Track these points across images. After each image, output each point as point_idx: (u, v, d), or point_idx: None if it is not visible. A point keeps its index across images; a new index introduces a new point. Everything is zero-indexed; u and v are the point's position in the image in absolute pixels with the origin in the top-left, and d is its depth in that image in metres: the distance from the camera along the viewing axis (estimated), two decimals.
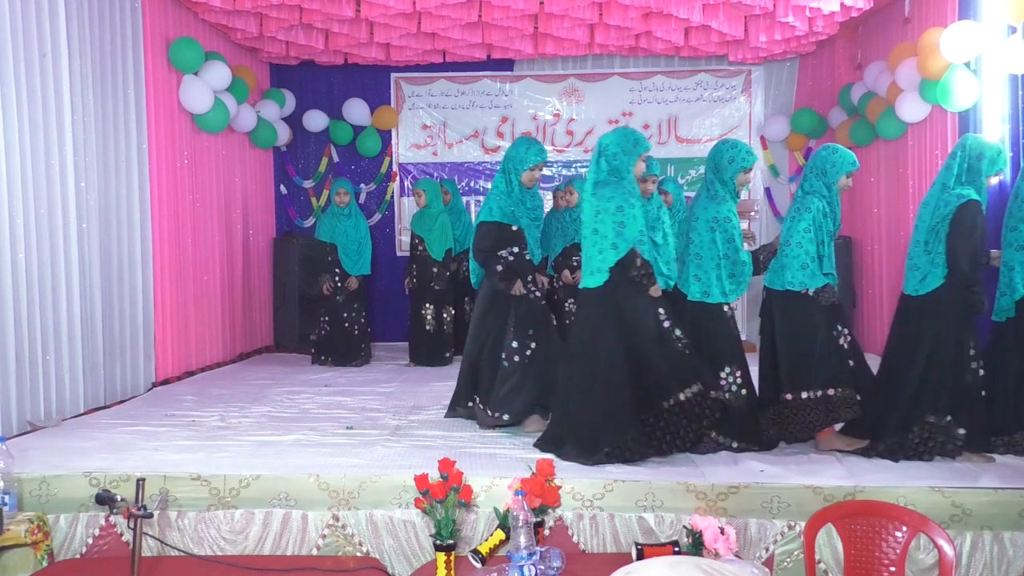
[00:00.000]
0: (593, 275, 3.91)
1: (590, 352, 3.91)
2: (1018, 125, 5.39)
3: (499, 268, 4.58)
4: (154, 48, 6.06)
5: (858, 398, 3.96)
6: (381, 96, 8.67)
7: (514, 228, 4.63)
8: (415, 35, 6.99)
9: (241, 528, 3.52)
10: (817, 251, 3.95)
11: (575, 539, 3.46)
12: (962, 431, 3.85)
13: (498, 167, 4.86)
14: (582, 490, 3.49)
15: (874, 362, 4.19)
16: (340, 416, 4.93)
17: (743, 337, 4.33)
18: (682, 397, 3.85)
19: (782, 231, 4.11)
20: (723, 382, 4.02)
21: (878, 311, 7.14)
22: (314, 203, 8.72)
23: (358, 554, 3.45)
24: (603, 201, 3.87)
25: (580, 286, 4.05)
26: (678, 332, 3.92)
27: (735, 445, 4.03)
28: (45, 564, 3.26)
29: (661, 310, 3.94)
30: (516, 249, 4.62)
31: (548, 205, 6.91)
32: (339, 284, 6.99)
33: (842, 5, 6.16)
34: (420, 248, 7.05)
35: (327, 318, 7.07)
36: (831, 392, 3.92)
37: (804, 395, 3.93)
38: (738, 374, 4.06)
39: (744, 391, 4.07)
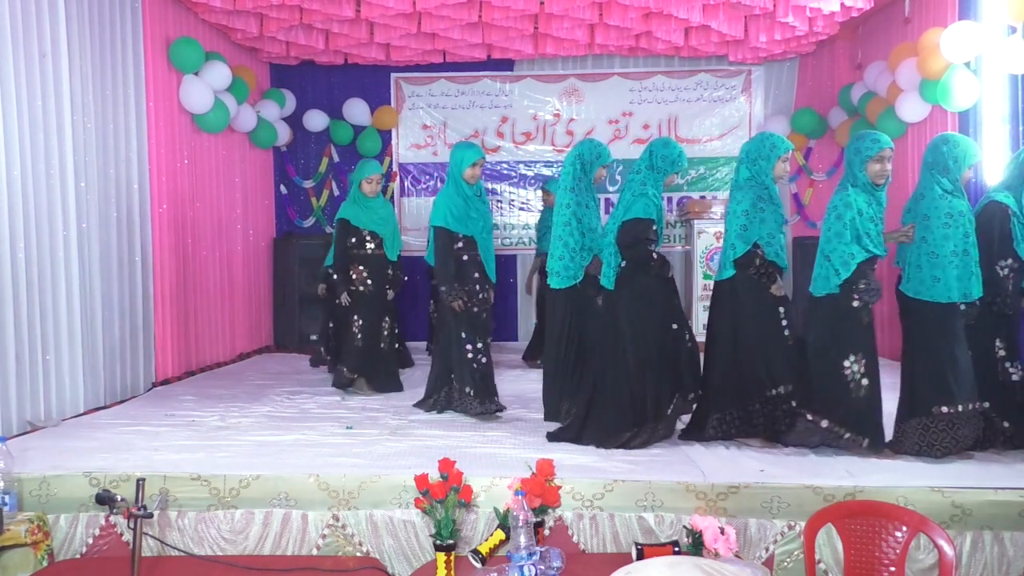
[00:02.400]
0: (720, 270, 4.28)
1: (708, 335, 4.32)
2: (1018, 125, 5.40)
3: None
4: (154, 48, 6.06)
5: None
6: (381, 96, 8.67)
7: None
8: (415, 35, 6.99)
9: (241, 528, 3.52)
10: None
11: (575, 539, 3.46)
12: (1007, 424, 4.00)
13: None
14: (582, 490, 3.49)
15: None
16: (340, 416, 4.92)
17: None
18: (772, 393, 4.11)
19: (930, 238, 3.92)
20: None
21: (879, 311, 7.09)
22: (314, 203, 8.72)
23: (358, 554, 3.45)
24: (734, 204, 4.20)
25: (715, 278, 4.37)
26: (787, 332, 4.15)
27: (846, 435, 3.92)
28: (45, 564, 3.27)
29: (781, 309, 4.17)
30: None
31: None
32: (394, 279, 5.79)
33: (842, 5, 6.17)
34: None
35: (362, 323, 5.60)
36: (986, 405, 3.93)
37: (958, 408, 3.85)
38: (863, 363, 3.94)
39: (865, 381, 3.95)
